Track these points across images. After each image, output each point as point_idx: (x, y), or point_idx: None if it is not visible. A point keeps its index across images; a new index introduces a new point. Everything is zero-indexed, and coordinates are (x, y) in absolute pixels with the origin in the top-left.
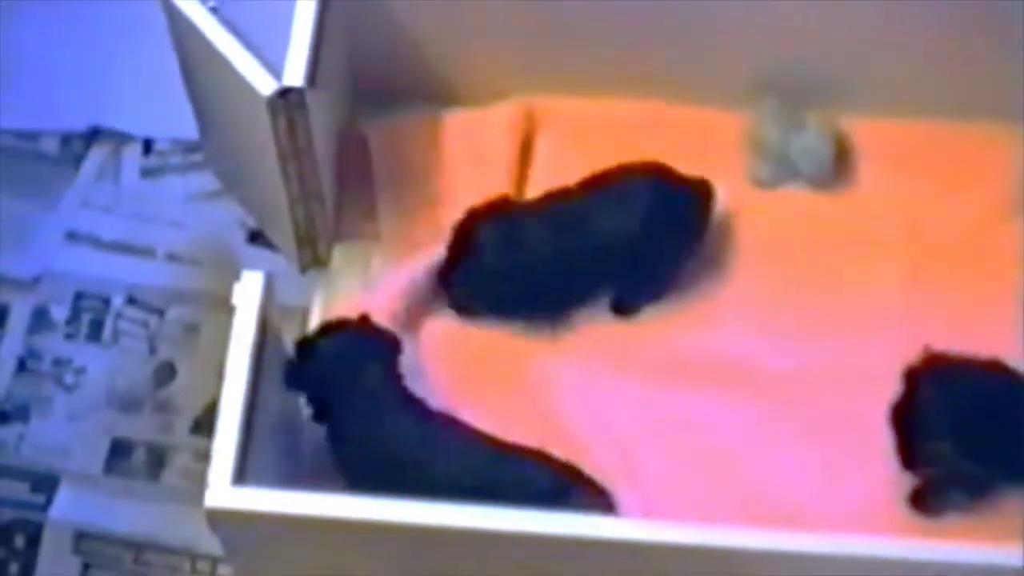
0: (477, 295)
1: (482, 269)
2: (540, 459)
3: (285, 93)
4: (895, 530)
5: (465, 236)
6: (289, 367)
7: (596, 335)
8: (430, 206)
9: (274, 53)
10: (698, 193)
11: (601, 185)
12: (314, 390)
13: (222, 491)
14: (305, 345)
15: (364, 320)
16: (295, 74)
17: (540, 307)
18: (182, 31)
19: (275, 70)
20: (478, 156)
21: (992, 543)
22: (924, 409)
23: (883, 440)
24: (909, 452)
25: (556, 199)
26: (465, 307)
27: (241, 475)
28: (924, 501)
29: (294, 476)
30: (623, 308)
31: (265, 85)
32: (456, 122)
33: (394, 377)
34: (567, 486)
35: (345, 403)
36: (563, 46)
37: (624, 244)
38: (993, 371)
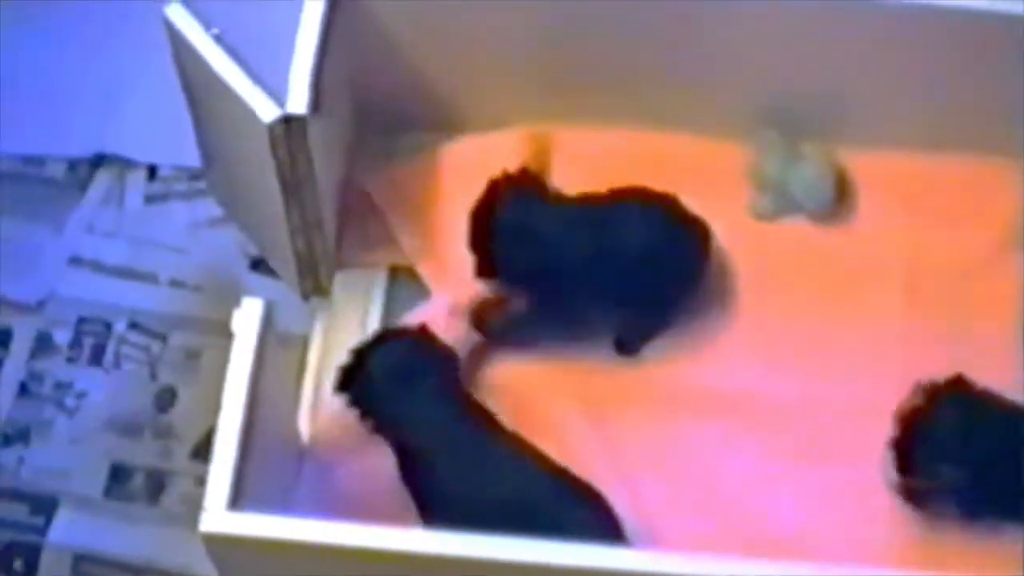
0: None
1: (500, 232)
2: (581, 491)
3: (287, 120)
4: (895, 560)
5: (488, 205)
6: (343, 374)
7: (601, 369)
8: (441, 240)
9: (276, 80)
10: (697, 232)
11: (617, 199)
12: (367, 399)
13: (217, 516)
14: (362, 353)
15: (423, 330)
16: (297, 101)
17: (549, 290)
18: (185, 57)
19: (277, 97)
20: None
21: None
22: (936, 426)
23: (878, 468)
24: (907, 458)
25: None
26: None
27: (237, 500)
28: (916, 497)
29: (291, 502)
30: (625, 348)
31: (267, 112)
32: (462, 149)
33: (455, 385)
34: (599, 520)
35: (406, 413)
36: (566, 77)
37: (626, 261)
38: (1007, 408)
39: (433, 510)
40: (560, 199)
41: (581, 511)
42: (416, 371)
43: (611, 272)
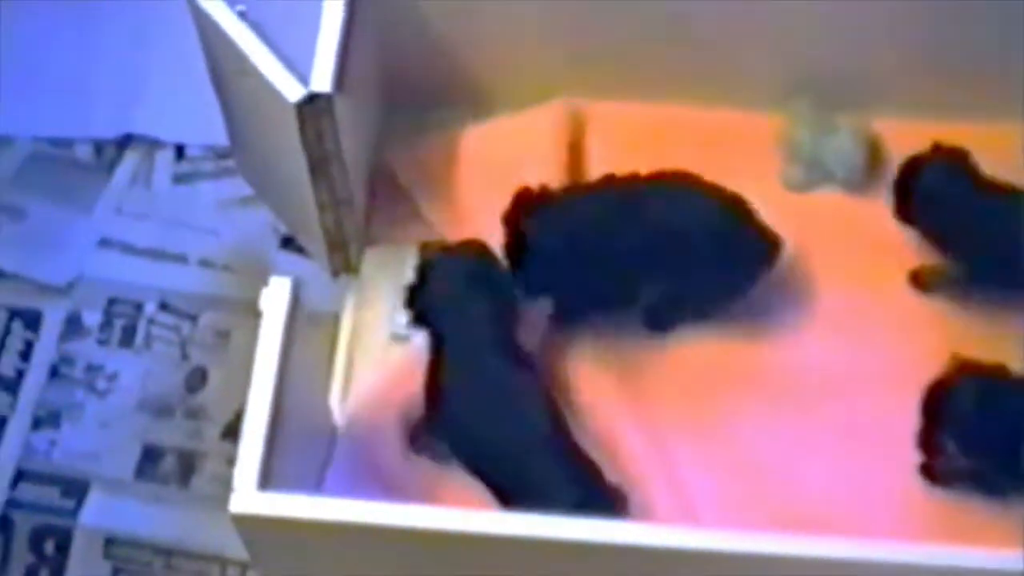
0: (535, 284)
1: (534, 254)
2: (582, 467)
3: (313, 99)
4: (921, 534)
5: (514, 229)
6: (410, 288)
7: (634, 345)
8: (469, 215)
9: (302, 58)
10: (768, 243)
11: (665, 181)
12: (426, 311)
13: (247, 496)
14: (427, 266)
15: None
16: (323, 80)
17: (591, 287)
18: (210, 37)
19: (303, 76)
20: (524, 159)
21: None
22: (950, 406)
23: (911, 444)
24: (931, 437)
25: (610, 183)
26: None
27: (266, 480)
28: (936, 475)
29: (323, 482)
30: (656, 324)
31: (293, 91)
32: (493, 125)
33: (507, 315)
34: (590, 499)
35: (455, 330)
36: (596, 51)
37: (677, 245)
38: None
39: (442, 423)
40: (581, 189)
41: (573, 489)
42: (474, 291)
43: (668, 263)
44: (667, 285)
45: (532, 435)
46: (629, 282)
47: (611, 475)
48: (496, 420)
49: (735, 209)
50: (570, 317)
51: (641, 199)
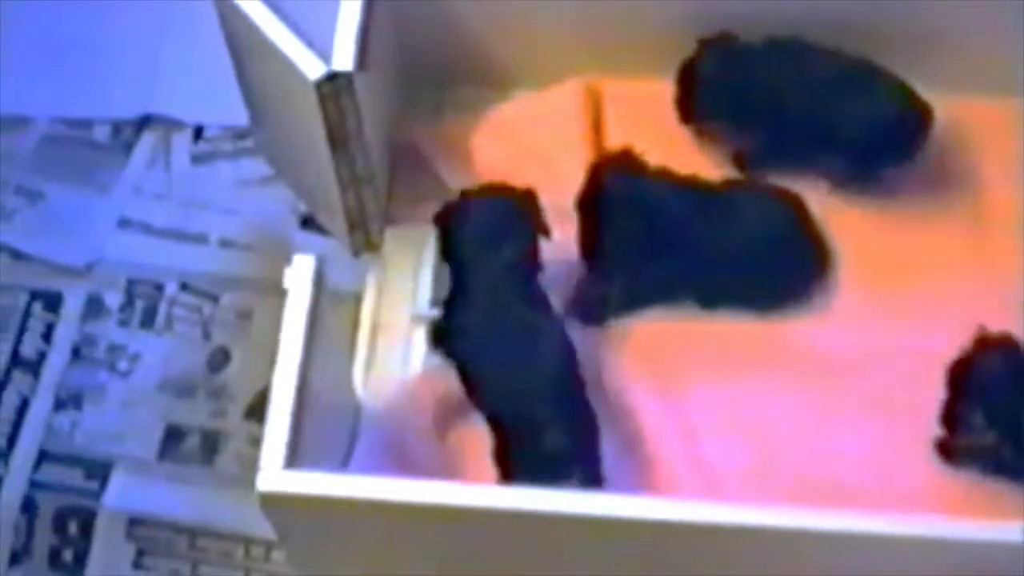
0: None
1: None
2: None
3: (333, 77)
4: (945, 509)
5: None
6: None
7: (659, 322)
8: None
9: (322, 37)
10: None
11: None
12: (452, 254)
13: (274, 475)
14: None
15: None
16: (343, 58)
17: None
18: (230, 16)
19: (323, 54)
20: (548, 136)
21: None
22: (976, 378)
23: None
24: (952, 416)
25: (695, 183)
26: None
27: (293, 459)
28: (948, 451)
29: (348, 460)
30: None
31: (313, 69)
32: (515, 103)
33: (529, 261)
34: (579, 457)
35: (476, 272)
36: (616, 29)
37: (763, 256)
38: None
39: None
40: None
41: (567, 440)
42: (498, 236)
43: (731, 258)
44: (727, 281)
45: (543, 376)
46: (692, 275)
47: (636, 451)
48: (511, 353)
49: (797, 216)
50: (633, 303)
51: (720, 200)
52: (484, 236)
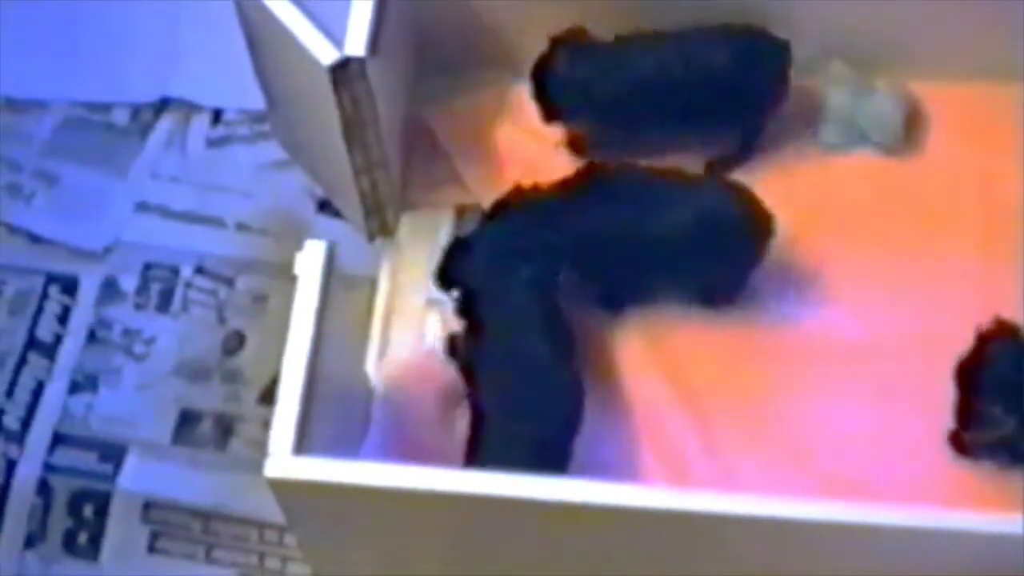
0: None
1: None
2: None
3: (347, 63)
4: (958, 500)
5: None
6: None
7: (672, 319)
8: (506, 177)
9: (336, 23)
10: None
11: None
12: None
13: (283, 460)
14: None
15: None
16: (356, 44)
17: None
18: (244, 2)
19: (337, 40)
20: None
21: None
22: (989, 371)
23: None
24: (967, 412)
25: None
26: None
27: (302, 444)
28: (962, 445)
29: (360, 446)
30: (708, 300)
31: (327, 55)
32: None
33: (548, 283)
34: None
35: (494, 301)
36: (631, 13)
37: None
38: None
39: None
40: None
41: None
42: (519, 255)
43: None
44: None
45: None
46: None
47: (648, 442)
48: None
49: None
50: (611, 303)
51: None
52: (496, 272)
